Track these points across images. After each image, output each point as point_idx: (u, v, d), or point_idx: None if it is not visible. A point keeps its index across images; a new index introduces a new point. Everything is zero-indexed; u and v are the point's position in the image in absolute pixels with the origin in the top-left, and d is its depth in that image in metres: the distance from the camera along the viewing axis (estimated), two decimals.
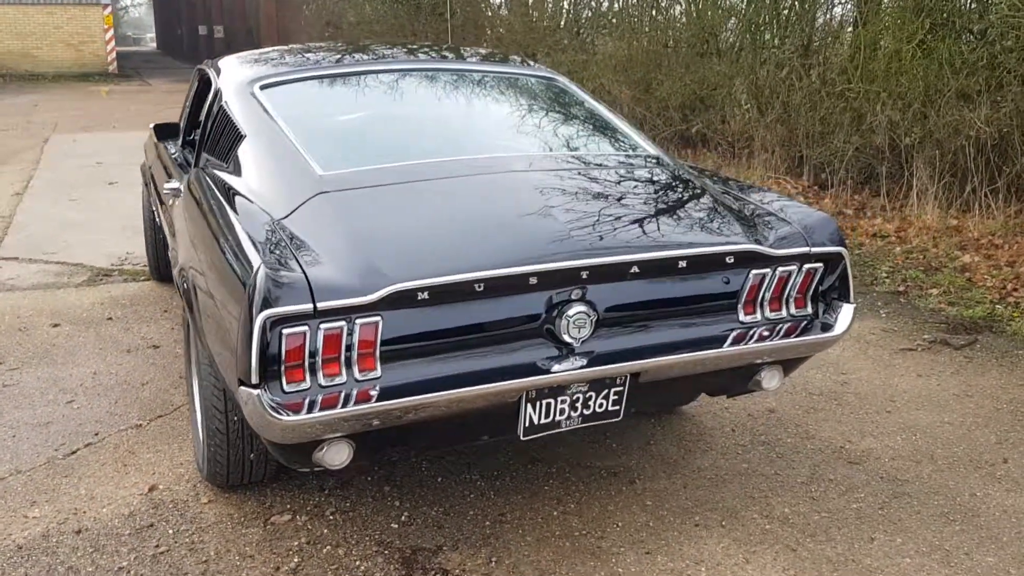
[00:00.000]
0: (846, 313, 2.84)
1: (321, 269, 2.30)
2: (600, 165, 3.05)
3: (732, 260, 2.66)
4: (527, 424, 2.56)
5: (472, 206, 2.71)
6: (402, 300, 2.29)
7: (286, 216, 2.61)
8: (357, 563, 2.68)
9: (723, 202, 2.92)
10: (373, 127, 3.28)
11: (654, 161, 3.15)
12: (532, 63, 3.93)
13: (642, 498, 3.06)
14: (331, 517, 2.92)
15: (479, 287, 2.37)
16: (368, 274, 2.30)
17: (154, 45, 51.90)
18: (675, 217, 2.81)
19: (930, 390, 3.99)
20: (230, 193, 2.85)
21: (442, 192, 2.74)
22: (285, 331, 2.21)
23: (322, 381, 2.29)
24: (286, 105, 3.19)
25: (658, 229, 2.70)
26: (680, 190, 2.98)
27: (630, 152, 3.23)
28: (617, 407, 2.66)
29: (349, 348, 2.30)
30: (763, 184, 8.26)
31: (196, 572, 2.64)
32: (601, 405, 2.63)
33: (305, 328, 2.23)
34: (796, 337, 2.75)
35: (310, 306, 2.20)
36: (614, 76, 10.81)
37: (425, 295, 2.31)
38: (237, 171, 2.99)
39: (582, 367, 2.49)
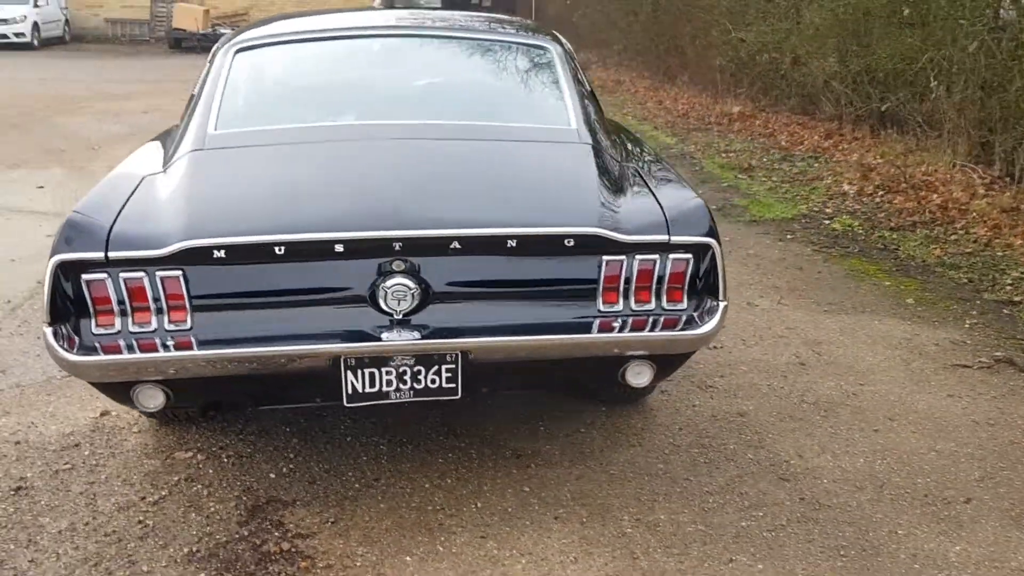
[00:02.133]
0: (714, 311, 2.57)
1: (132, 222, 2.44)
2: (501, 139, 2.95)
3: (572, 243, 2.51)
4: (350, 391, 2.57)
5: (326, 171, 2.74)
6: (201, 256, 2.38)
7: (161, 170, 2.78)
8: (211, 504, 2.84)
9: (607, 183, 2.74)
10: (311, 90, 3.36)
11: (570, 138, 2.99)
12: (534, 32, 3.82)
13: (523, 483, 2.97)
14: (224, 459, 3.09)
15: (279, 250, 2.41)
16: (171, 229, 2.41)
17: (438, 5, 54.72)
18: (531, 195, 2.69)
19: (948, 413, 3.49)
20: (151, 145, 3.07)
21: (309, 156, 2.79)
22: (85, 276, 2.37)
23: (131, 327, 2.44)
24: (247, 68, 3.35)
25: (502, 206, 2.60)
26: (567, 169, 2.82)
27: (549, 127, 3.09)
28: (452, 385, 2.60)
29: (157, 299, 2.43)
30: (948, 174, 7.46)
31: (79, 491, 2.91)
32: (434, 381, 2.59)
33: (105, 275, 2.38)
34: (648, 332, 2.54)
35: (101, 255, 2.35)
36: (812, 47, 10.08)
37: (222, 253, 2.39)
38: (178, 125, 3.21)
39: (398, 339, 2.47)
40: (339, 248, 2.42)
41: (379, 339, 2.46)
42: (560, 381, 2.94)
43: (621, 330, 2.54)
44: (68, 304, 2.40)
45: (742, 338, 4.22)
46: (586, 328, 2.55)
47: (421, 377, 2.58)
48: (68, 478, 2.98)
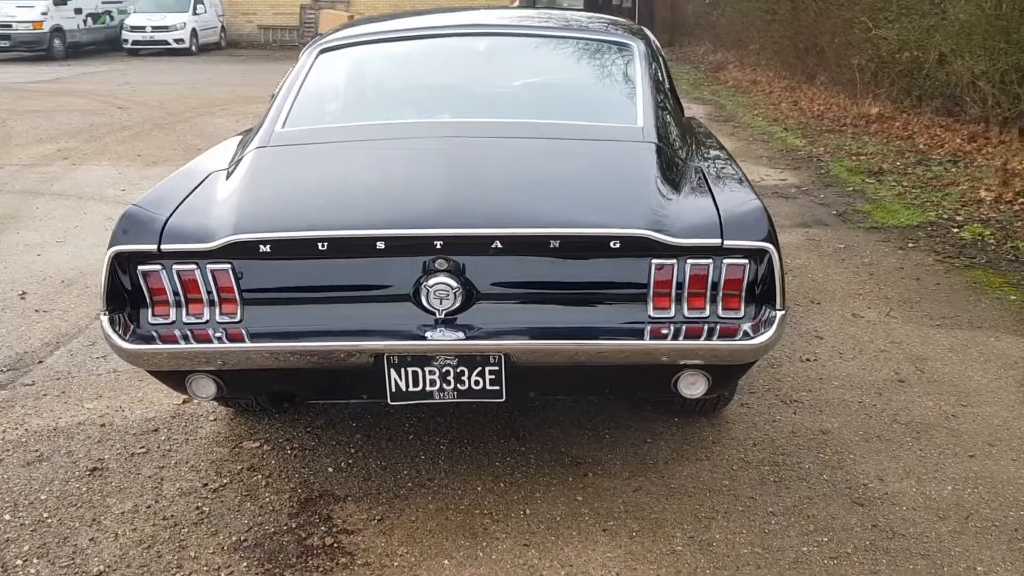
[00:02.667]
0: (771, 321, 2.42)
1: (187, 216, 2.51)
2: (562, 137, 2.87)
3: (618, 245, 2.41)
4: (394, 389, 2.56)
5: (379, 169, 2.74)
6: (248, 251, 2.42)
7: (230, 166, 2.85)
8: (267, 495, 2.89)
9: (664, 183, 2.62)
10: (383, 89, 3.39)
11: (634, 136, 2.88)
12: (622, 29, 3.72)
13: (576, 492, 2.89)
14: (288, 451, 3.15)
15: (322, 246, 2.42)
16: (221, 224, 2.46)
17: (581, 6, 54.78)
18: (581, 195, 2.60)
19: None
20: (229, 142, 3.15)
21: (366, 153, 2.80)
22: (141, 268, 2.45)
23: (185, 318, 2.51)
24: (327, 68, 3.40)
25: (548, 205, 2.53)
26: (623, 169, 2.72)
27: (615, 125, 2.99)
28: (496, 387, 2.55)
29: (209, 291, 2.49)
30: None
31: (148, 474, 3.02)
32: (477, 383, 2.55)
33: (159, 267, 2.45)
34: (699, 340, 2.42)
35: (154, 247, 2.42)
36: (957, 44, 9.48)
37: (267, 248, 2.42)
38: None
39: (439, 339, 2.44)
40: (380, 245, 2.41)
41: (421, 338, 2.44)
42: (610, 388, 2.84)
43: (670, 337, 2.43)
44: (125, 294, 2.48)
45: (840, 351, 3.98)
46: (634, 334, 2.45)
47: (464, 378, 2.54)
48: (141, 461, 3.10)
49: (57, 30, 20.66)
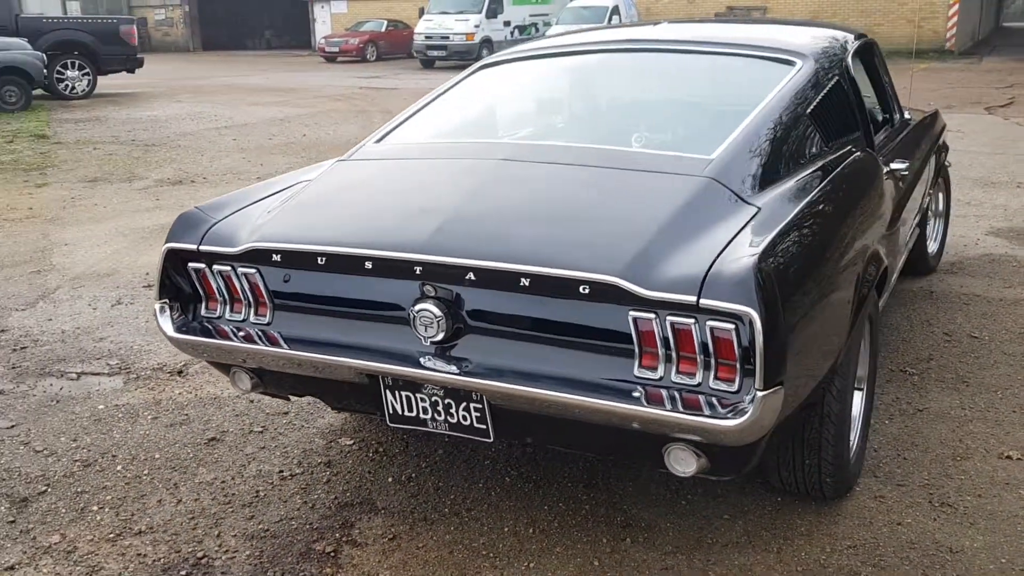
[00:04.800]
0: (750, 398, 1.99)
1: (238, 221, 2.69)
2: (623, 167, 2.59)
3: (587, 291, 2.14)
4: (391, 411, 2.53)
5: (414, 188, 2.70)
6: (267, 258, 2.55)
7: (313, 176, 2.99)
8: (319, 491, 3.01)
9: (684, 225, 2.26)
10: (501, 106, 3.29)
11: (695, 170, 2.50)
12: (808, 42, 3.25)
13: (600, 557, 2.62)
14: (371, 454, 3.25)
15: (321, 260, 2.47)
16: (252, 230, 2.61)
17: None
18: (580, 232, 2.33)
19: None
20: None
21: (415, 172, 2.78)
22: (191, 264, 2.69)
23: (228, 315, 2.71)
24: (471, 84, 3.43)
25: (535, 240, 2.31)
26: (650, 205, 2.38)
27: (687, 156, 2.61)
28: (483, 426, 2.42)
29: (244, 292, 2.66)
30: None
31: (248, 452, 3.29)
32: (465, 418, 2.43)
33: (203, 266, 2.67)
34: (671, 411, 2.07)
35: (195, 247, 2.64)
36: None
37: (279, 258, 2.52)
38: None
39: (427, 368, 2.37)
40: (368, 266, 2.40)
41: (414, 364, 2.38)
42: (599, 449, 2.52)
43: (643, 402, 2.11)
44: (178, 286, 2.73)
45: None
46: (612, 393, 2.16)
47: (453, 411, 2.44)
48: (253, 440, 3.38)
49: (486, 41, 22.86)
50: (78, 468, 3.19)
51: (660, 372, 2.15)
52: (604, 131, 3.05)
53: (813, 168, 2.73)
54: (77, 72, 16.61)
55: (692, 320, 2.06)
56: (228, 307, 2.70)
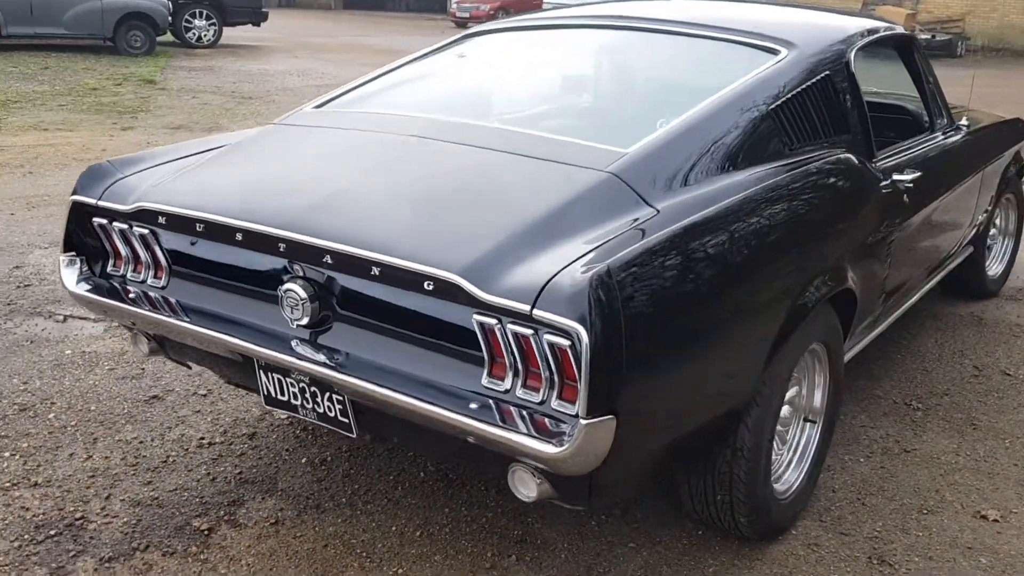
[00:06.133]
0: (573, 426, 1.75)
1: (145, 179, 2.59)
2: (525, 154, 2.33)
3: (432, 287, 1.94)
4: (266, 393, 2.40)
5: (323, 161, 2.54)
6: (158, 220, 2.45)
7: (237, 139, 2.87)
8: (225, 466, 2.92)
9: (556, 225, 2.03)
10: (453, 80, 3.08)
11: (599, 163, 2.22)
12: (810, 27, 2.92)
13: (481, 572, 2.43)
14: (297, 432, 3.13)
15: (199, 227, 2.35)
16: (147, 189, 2.51)
17: None
18: (446, 221, 2.12)
19: None
20: None
21: (326, 143, 2.63)
22: (95, 220, 2.61)
23: (131, 275, 2.62)
24: (444, 54, 3.26)
25: (397, 226, 2.12)
26: (530, 199, 2.14)
27: (599, 146, 2.34)
28: (346, 420, 2.26)
29: (139, 253, 2.56)
30: None
31: (183, 414, 3.23)
32: (330, 409, 2.28)
33: (105, 221, 2.59)
34: (496, 429, 1.86)
35: (94, 201, 2.56)
36: None
37: (163, 220, 2.42)
38: None
39: (287, 352, 2.23)
40: (239, 237, 2.26)
41: (284, 346, 2.24)
42: (455, 459, 2.31)
43: (477, 416, 1.90)
44: (83, 239, 2.64)
45: None
46: (450, 399, 1.96)
47: (320, 401, 2.28)
48: (191, 402, 3.32)
49: None
50: (13, 412, 3.20)
51: (507, 384, 1.93)
52: (533, 113, 2.81)
53: (761, 170, 2.42)
54: (204, 22, 17.14)
55: (531, 331, 1.83)
56: (132, 267, 2.62)
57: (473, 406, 1.92)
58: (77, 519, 2.61)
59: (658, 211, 2.11)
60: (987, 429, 3.32)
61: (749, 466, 2.33)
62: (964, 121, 3.91)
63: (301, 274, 2.20)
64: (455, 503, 2.72)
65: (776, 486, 2.55)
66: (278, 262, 2.24)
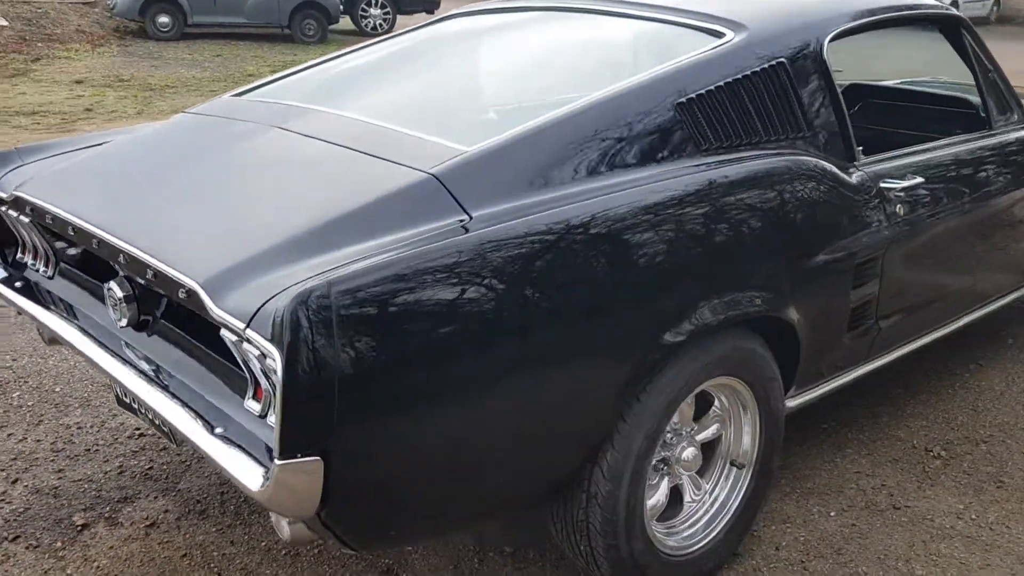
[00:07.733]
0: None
1: (37, 167, 2.56)
2: (361, 150, 2.07)
3: (186, 295, 1.76)
4: (116, 394, 2.33)
5: (184, 153, 2.39)
6: (24, 207, 2.40)
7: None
8: (141, 459, 2.87)
9: (350, 232, 1.79)
10: (370, 68, 2.87)
11: (425, 163, 1.92)
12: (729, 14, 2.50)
13: None
14: None
15: (48, 219, 2.28)
16: (31, 179, 2.47)
17: None
18: (231, 222, 1.92)
19: None
20: None
21: (208, 133, 2.48)
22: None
23: (31, 264, 2.61)
24: (398, 39, 3.08)
25: (183, 226, 1.95)
26: (326, 201, 1.89)
27: (435, 140, 2.05)
28: (166, 430, 2.13)
29: (32, 244, 2.54)
30: None
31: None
32: (156, 417, 2.15)
33: (5, 208, 2.58)
34: (226, 459, 1.66)
35: None
36: None
37: (30, 210, 2.37)
38: None
39: (113, 355, 2.13)
40: (70, 231, 2.17)
41: (107, 349, 2.15)
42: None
43: (215, 441, 1.71)
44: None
45: None
46: (209, 422, 1.79)
47: (145, 406, 2.16)
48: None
49: None
50: None
51: (266, 407, 1.72)
52: (404, 102, 2.53)
53: (645, 173, 2.06)
54: (379, 11, 17.63)
55: (258, 353, 1.61)
56: (33, 256, 2.60)
57: (218, 430, 1.74)
58: None
59: (471, 218, 1.82)
60: (1014, 490, 2.75)
61: (605, 516, 2.00)
62: None
63: (121, 273, 2.09)
64: None
65: (667, 540, 2.20)
66: (104, 262, 2.14)
